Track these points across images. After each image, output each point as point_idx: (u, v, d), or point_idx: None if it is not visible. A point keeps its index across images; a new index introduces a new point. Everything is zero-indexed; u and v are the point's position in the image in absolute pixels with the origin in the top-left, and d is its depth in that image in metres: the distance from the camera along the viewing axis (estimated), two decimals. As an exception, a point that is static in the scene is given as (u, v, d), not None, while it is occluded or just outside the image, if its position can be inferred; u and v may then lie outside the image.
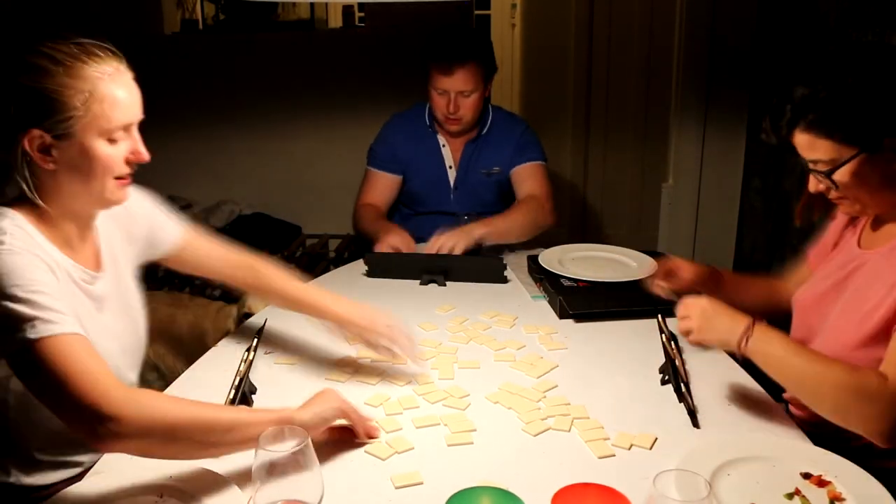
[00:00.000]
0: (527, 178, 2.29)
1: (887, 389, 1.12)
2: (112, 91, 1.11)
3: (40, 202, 1.12)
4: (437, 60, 2.17)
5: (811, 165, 1.28)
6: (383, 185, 2.35)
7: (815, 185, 1.31)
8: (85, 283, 1.20)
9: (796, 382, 1.21)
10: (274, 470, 0.92)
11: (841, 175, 1.24)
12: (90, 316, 1.20)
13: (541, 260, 1.90)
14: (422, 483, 1.11)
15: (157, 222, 1.42)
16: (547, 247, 2.11)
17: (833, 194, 1.30)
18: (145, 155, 1.19)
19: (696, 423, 1.26)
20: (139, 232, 1.38)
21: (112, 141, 1.13)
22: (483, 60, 2.19)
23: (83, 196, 1.16)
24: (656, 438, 1.22)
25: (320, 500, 0.95)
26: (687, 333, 1.31)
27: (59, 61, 1.08)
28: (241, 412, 1.16)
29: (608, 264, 1.95)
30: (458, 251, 1.98)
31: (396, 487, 1.10)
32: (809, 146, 1.26)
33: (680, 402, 1.32)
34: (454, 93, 2.17)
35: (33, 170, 1.10)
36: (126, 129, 1.16)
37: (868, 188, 1.26)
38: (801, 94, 1.25)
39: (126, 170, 1.17)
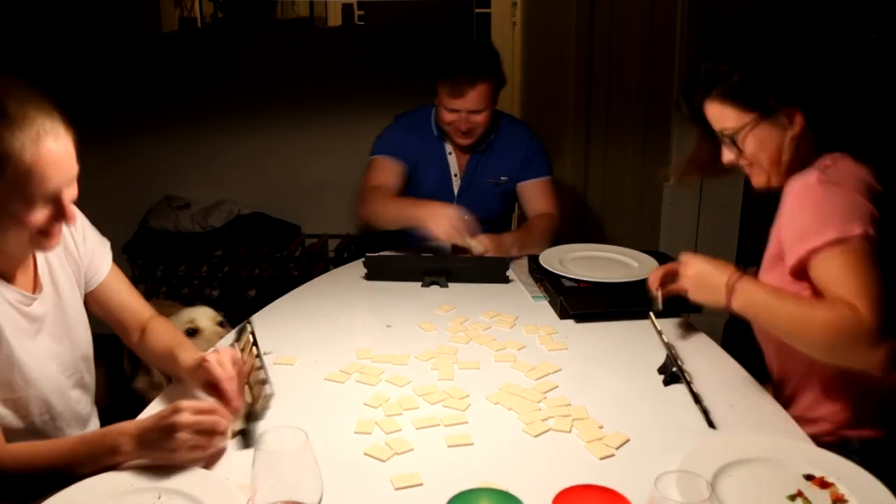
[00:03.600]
0: (539, 194, 2.28)
1: (864, 320, 1.15)
2: (40, 159, 1.07)
3: None
4: (446, 82, 2.12)
5: (722, 136, 1.38)
6: (392, 172, 2.23)
7: (727, 155, 1.40)
8: (22, 305, 1.21)
9: (788, 332, 1.26)
10: (273, 470, 0.91)
11: (743, 140, 1.35)
12: (25, 336, 1.21)
13: (541, 260, 1.89)
14: (422, 484, 1.11)
15: (95, 254, 1.41)
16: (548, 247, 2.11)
17: (743, 162, 1.39)
18: (73, 218, 1.17)
19: (711, 424, 1.25)
20: (84, 258, 1.38)
21: (32, 204, 1.10)
22: (493, 79, 2.15)
23: (5, 242, 1.15)
24: (628, 439, 1.21)
25: (320, 501, 0.94)
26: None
27: None
28: (63, 454, 1.13)
29: (609, 264, 1.94)
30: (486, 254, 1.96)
31: (396, 489, 1.10)
32: (719, 116, 1.37)
33: (696, 403, 1.30)
34: (465, 112, 2.15)
35: None
36: (52, 192, 1.11)
37: (769, 155, 1.35)
38: (707, 68, 1.36)
39: (49, 227, 1.15)
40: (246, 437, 1.20)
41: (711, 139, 1.42)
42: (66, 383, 1.33)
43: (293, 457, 0.92)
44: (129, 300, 1.47)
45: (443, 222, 1.96)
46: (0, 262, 1.20)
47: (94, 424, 1.43)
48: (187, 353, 1.35)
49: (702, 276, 1.38)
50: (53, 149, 1.10)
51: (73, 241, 1.37)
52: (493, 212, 2.33)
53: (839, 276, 1.19)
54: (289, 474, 0.92)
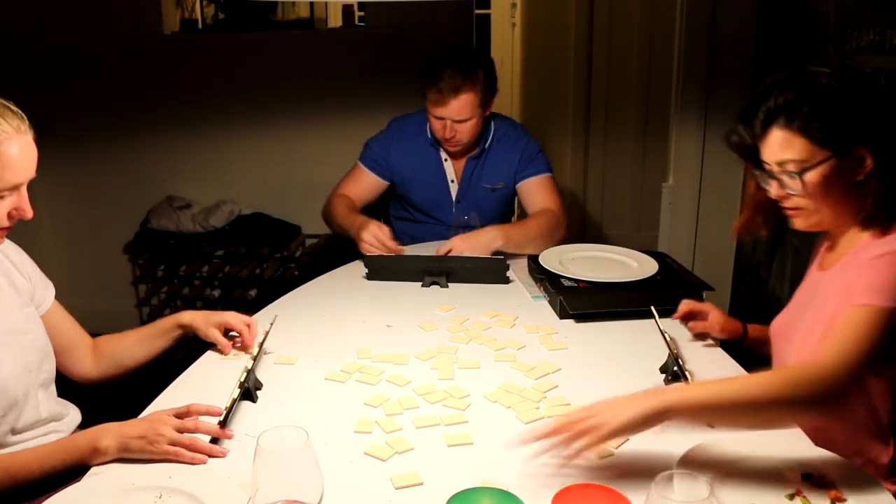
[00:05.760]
0: (538, 191, 2.26)
1: (816, 368, 1.13)
2: (8, 153, 1.14)
3: None
4: (431, 90, 2.11)
5: (778, 168, 1.29)
6: (366, 185, 2.32)
7: (777, 190, 1.31)
8: None
9: (744, 414, 1.14)
10: (274, 469, 0.92)
11: (810, 177, 1.26)
12: None
13: (541, 260, 1.89)
14: (422, 483, 1.11)
15: (38, 282, 1.42)
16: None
17: (792, 202, 1.31)
18: (29, 213, 1.22)
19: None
20: (23, 285, 1.37)
21: (2, 198, 1.17)
22: (479, 88, 2.12)
23: None
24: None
25: (320, 501, 0.95)
26: (588, 432, 1.08)
27: None
28: (43, 456, 1.19)
29: (608, 264, 1.94)
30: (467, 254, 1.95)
31: (396, 488, 1.10)
32: (784, 144, 1.26)
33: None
34: (449, 120, 2.14)
35: None
36: (15, 187, 1.19)
37: (831, 196, 1.28)
38: (785, 95, 1.26)
39: (6, 223, 1.21)
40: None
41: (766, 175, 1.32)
42: (31, 381, 1.32)
43: (294, 456, 0.93)
44: (75, 326, 1.49)
45: (366, 237, 2.02)
46: None
47: (67, 419, 1.43)
48: (187, 315, 1.51)
49: (615, 402, 1.12)
50: (26, 143, 1.18)
51: (9, 257, 1.37)
52: (491, 216, 2.31)
53: (840, 328, 1.17)
54: (289, 473, 0.93)
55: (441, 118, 2.14)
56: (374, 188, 2.33)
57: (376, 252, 2.00)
